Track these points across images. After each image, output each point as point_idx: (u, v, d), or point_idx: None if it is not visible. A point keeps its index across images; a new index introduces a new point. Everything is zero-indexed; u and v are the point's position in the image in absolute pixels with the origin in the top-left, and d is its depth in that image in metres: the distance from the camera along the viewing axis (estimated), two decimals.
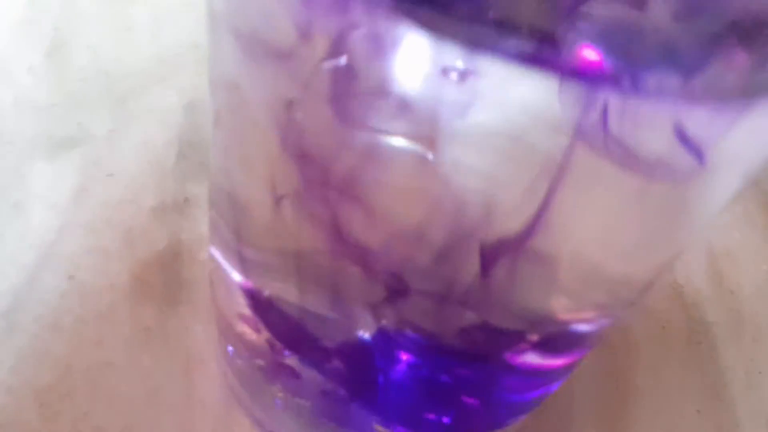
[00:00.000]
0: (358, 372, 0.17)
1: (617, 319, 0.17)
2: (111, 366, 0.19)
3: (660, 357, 0.23)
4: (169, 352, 0.20)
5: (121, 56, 0.26)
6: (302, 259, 0.15)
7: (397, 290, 0.15)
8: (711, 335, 0.24)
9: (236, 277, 0.17)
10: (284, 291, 0.16)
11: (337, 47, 0.12)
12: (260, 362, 0.18)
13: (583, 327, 0.16)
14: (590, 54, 0.11)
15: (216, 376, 0.19)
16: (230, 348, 0.18)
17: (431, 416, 0.17)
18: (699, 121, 0.11)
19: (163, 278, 0.21)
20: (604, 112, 0.11)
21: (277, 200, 0.15)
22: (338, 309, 0.16)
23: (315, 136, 0.14)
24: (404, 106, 0.12)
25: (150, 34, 0.28)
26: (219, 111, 0.16)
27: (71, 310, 0.20)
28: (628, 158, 0.12)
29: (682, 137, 0.11)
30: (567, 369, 0.18)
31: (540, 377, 0.17)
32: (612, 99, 0.10)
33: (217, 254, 0.17)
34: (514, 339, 0.16)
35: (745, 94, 0.11)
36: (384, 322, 0.16)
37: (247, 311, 0.17)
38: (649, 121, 0.11)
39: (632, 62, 0.11)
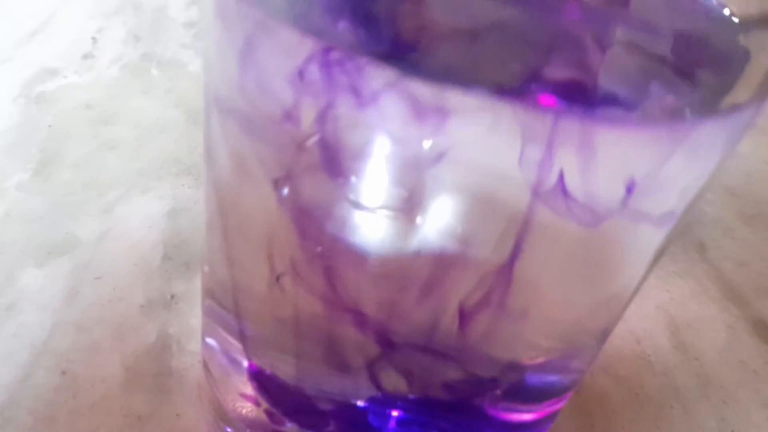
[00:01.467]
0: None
1: (581, 366, 0.18)
2: None
3: (637, 421, 0.24)
4: None
5: (105, 171, 0.28)
6: (301, 325, 0.16)
7: (388, 345, 0.16)
8: (682, 399, 0.25)
9: (237, 356, 0.18)
10: (285, 361, 0.17)
11: (321, 121, 0.14)
12: None
13: (551, 374, 0.17)
14: (548, 99, 0.13)
15: None
16: (228, 429, 0.19)
17: None
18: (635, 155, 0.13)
19: (153, 369, 0.22)
20: (560, 175, 0.13)
21: (277, 277, 0.16)
22: (335, 370, 0.17)
23: (309, 200, 0.15)
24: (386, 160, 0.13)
25: (132, 152, 0.29)
26: (220, 198, 0.17)
27: (65, 402, 0.20)
28: (580, 212, 0.14)
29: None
30: (543, 422, 0.19)
31: (519, 430, 0.18)
32: (565, 161, 0.12)
33: (213, 341, 0.18)
34: (490, 386, 0.17)
35: (675, 120, 0.12)
36: (377, 380, 0.17)
37: (247, 388, 0.18)
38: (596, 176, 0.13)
39: (583, 103, 0.13)
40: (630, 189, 0.13)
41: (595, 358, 0.19)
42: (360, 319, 0.16)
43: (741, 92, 0.12)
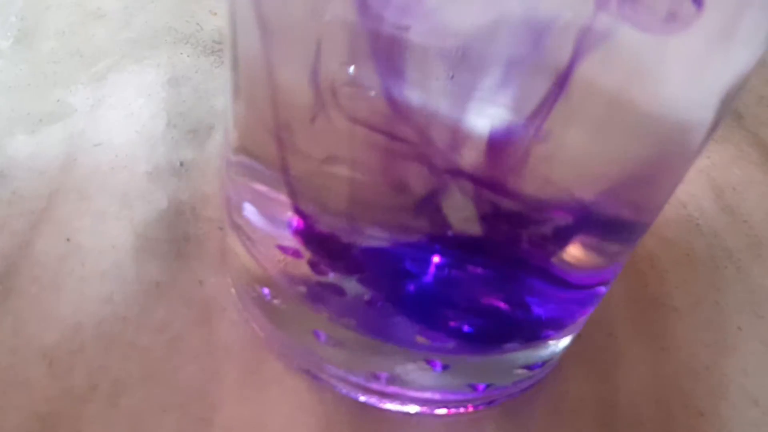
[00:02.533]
0: (397, 276, 0.16)
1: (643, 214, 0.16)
2: (124, 320, 0.17)
3: (691, 281, 0.22)
4: (184, 304, 0.18)
5: (93, 40, 0.25)
6: (353, 155, 0.14)
7: (445, 173, 0.14)
8: (734, 259, 0.23)
9: (278, 209, 0.16)
10: (334, 202, 0.15)
11: None
12: (302, 289, 0.16)
13: (610, 216, 0.16)
14: None
15: (238, 324, 0.18)
16: (265, 290, 0.17)
17: (466, 322, 0.16)
18: None
19: (168, 235, 0.19)
20: None
21: (332, 90, 0.14)
22: (388, 205, 0.15)
23: None
24: None
25: (121, 21, 0.26)
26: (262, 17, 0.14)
27: (72, 271, 0.18)
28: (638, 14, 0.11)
29: None
30: (594, 283, 0.17)
31: (568, 287, 0.17)
32: None
33: (248, 201, 0.16)
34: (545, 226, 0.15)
35: None
36: (433, 211, 0.15)
37: (288, 242, 0.16)
38: None
39: None
40: None
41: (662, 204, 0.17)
42: (418, 143, 0.14)
43: None
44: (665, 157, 0.15)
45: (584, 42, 0.12)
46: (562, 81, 0.13)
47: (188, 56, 0.25)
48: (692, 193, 0.25)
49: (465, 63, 0.13)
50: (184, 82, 0.24)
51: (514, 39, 0.12)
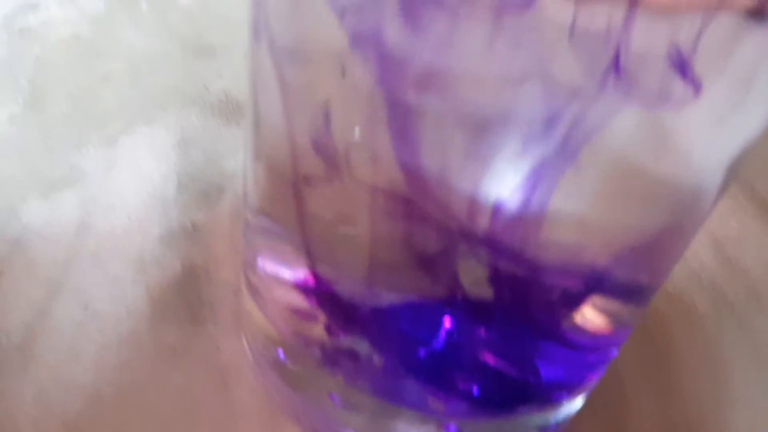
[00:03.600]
0: (408, 340, 0.16)
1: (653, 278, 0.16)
2: (141, 387, 0.17)
3: (695, 335, 0.22)
4: (201, 369, 0.18)
5: (103, 103, 0.26)
6: (370, 220, 0.15)
7: (460, 237, 0.15)
8: (736, 313, 0.23)
9: (295, 271, 0.16)
10: (350, 266, 0.15)
11: None
12: (317, 352, 0.16)
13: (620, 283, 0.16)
14: None
15: (256, 388, 0.18)
16: (281, 353, 0.17)
17: (478, 386, 0.17)
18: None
19: (182, 300, 0.20)
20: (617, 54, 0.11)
21: (346, 152, 0.14)
22: (401, 271, 0.15)
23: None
24: None
25: (129, 84, 0.27)
26: (281, 78, 0.15)
27: (91, 338, 0.18)
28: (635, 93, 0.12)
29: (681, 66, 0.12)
30: (605, 346, 0.17)
31: (580, 351, 0.17)
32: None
33: (265, 261, 0.17)
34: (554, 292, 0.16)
35: None
36: (450, 275, 0.15)
37: (303, 304, 0.16)
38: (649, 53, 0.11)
39: None
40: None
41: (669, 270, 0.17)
42: (432, 207, 0.14)
43: None
44: (677, 222, 0.15)
45: (589, 121, 0.13)
46: (572, 154, 0.13)
47: (196, 118, 0.26)
48: (693, 247, 0.26)
49: (480, 133, 0.13)
50: (193, 144, 0.25)
51: (527, 120, 0.13)
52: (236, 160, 0.24)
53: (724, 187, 0.15)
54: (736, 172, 0.15)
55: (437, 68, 0.13)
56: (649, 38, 0.11)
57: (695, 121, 0.13)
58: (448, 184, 0.14)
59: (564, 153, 0.13)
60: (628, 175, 0.14)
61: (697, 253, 0.25)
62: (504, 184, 0.14)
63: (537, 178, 0.14)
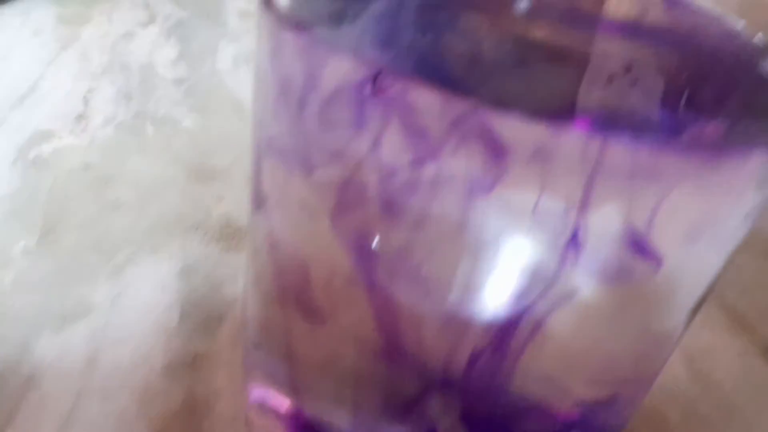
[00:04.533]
0: None
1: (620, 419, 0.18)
2: None
3: None
4: None
5: (111, 233, 0.28)
6: (353, 365, 0.16)
7: (433, 383, 0.16)
8: (708, 426, 0.25)
9: (285, 405, 0.18)
10: (335, 404, 0.17)
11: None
12: None
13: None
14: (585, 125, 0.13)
15: None
16: None
17: None
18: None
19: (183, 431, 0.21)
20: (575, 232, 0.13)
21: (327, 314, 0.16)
22: (390, 415, 0.17)
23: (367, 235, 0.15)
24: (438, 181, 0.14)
25: (136, 211, 0.29)
26: (272, 239, 0.17)
27: None
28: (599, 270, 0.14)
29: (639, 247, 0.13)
30: None
31: None
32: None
33: (260, 392, 0.18)
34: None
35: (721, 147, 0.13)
36: (424, 418, 0.17)
37: None
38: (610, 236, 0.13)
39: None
40: (691, 235, 0.13)
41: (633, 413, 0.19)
42: (415, 360, 0.16)
43: None
44: (654, 350, 0.17)
45: (551, 294, 0.14)
46: (541, 317, 0.15)
47: (198, 244, 0.28)
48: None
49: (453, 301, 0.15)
50: (195, 272, 0.27)
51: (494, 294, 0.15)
52: (236, 286, 0.26)
53: (698, 309, 0.16)
54: (702, 303, 0.16)
55: (408, 258, 0.14)
56: (607, 219, 0.13)
57: (657, 284, 0.15)
58: (423, 337, 0.16)
59: (534, 315, 0.15)
60: (597, 329, 0.15)
61: (669, 367, 0.27)
62: (476, 336, 0.15)
63: (507, 333, 0.15)
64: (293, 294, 0.17)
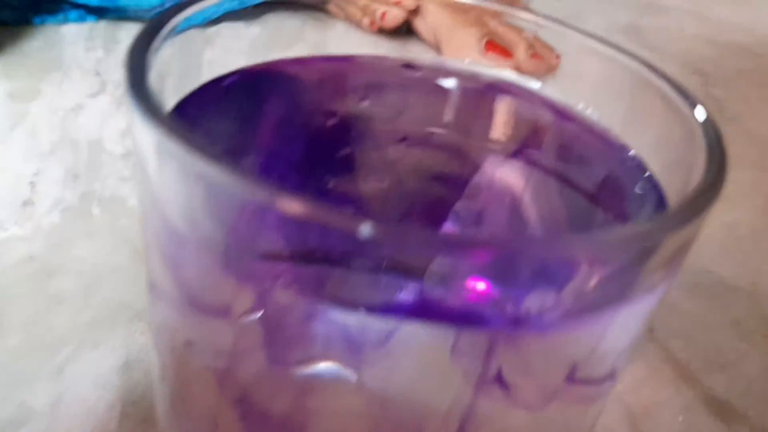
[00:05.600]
0: None
1: None
2: None
3: None
4: None
5: (53, 329, 0.28)
6: None
7: None
8: None
9: None
10: None
11: (260, 303, 0.14)
12: None
13: None
14: (480, 285, 0.13)
15: None
16: None
17: None
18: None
19: None
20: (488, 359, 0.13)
21: None
22: None
23: (251, 384, 0.16)
24: (329, 340, 0.14)
25: (80, 303, 0.29)
26: (163, 367, 0.17)
27: None
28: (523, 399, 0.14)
29: None
30: None
31: None
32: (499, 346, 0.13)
33: None
34: None
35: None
36: None
37: None
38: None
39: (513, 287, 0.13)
40: (572, 372, 0.13)
41: None
42: None
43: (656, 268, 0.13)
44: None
45: (470, 422, 0.14)
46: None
47: (141, 334, 0.28)
48: (609, 426, 0.27)
49: None
50: (136, 365, 0.27)
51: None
52: None
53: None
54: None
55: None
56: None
57: None
58: None
59: None
60: None
61: (611, 430, 0.27)
62: None
63: None
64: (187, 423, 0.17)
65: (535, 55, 0.40)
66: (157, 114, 0.11)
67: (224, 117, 0.15)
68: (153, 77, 0.12)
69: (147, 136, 0.11)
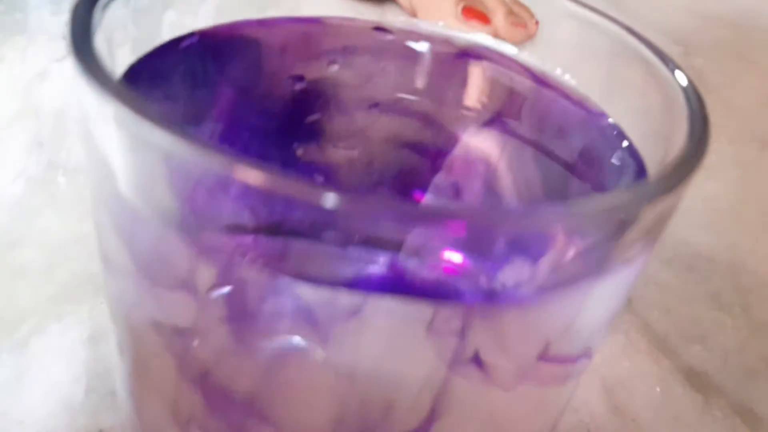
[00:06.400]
0: None
1: None
2: None
3: None
4: None
5: (16, 302, 0.27)
6: None
7: None
8: None
9: None
10: None
11: (223, 278, 0.14)
12: None
13: None
14: (454, 257, 0.13)
15: None
16: None
17: None
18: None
19: None
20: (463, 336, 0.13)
21: (184, 426, 0.16)
22: None
23: (213, 360, 0.15)
24: (297, 315, 0.13)
25: (43, 274, 0.28)
26: (121, 343, 0.17)
27: None
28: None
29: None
30: None
31: None
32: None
33: None
34: None
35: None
36: None
37: None
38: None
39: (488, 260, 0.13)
40: (547, 348, 0.13)
41: None
42: None
43: (633, 241, 0.12)
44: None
45: (443, 400, 0.14)
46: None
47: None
48: (585, 398, 0.27)
49: None
50: (103, 338, 0.26)
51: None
52: None
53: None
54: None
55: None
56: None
57: None
58: None
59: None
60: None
61: (589, 404, 0.27)
62: None
63: None
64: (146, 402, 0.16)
65: (514, 22, 0.39)
66: (102, 76, 0.10)
67: (182, 82, 0.14)
68: (100, 37, 0.11)
69: (92, 101, 0.10)
